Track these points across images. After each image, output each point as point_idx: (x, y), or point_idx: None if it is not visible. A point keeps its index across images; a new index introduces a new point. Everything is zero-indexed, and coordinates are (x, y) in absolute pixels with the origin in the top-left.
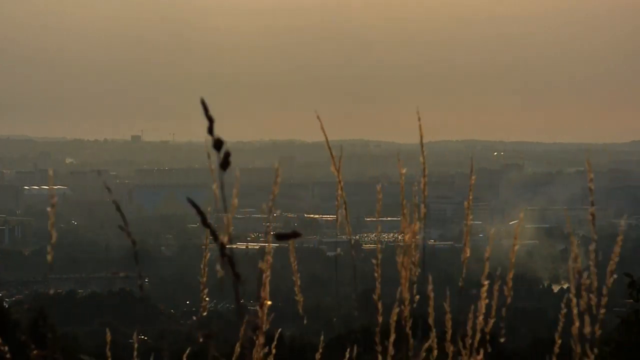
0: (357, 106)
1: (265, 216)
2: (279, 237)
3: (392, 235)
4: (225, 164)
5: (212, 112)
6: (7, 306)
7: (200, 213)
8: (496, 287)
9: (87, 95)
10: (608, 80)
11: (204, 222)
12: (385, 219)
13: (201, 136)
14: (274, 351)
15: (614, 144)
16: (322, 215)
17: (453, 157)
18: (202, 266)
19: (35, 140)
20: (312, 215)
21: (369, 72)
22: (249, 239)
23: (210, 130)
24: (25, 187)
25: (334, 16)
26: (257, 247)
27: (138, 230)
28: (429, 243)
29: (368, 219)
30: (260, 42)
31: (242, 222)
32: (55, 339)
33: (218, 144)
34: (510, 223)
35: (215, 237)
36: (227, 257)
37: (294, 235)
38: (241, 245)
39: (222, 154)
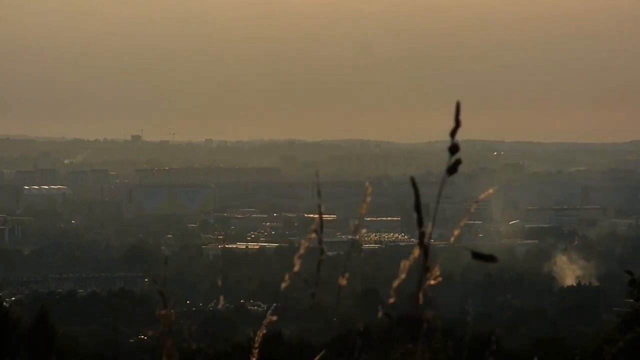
0: (357, 106)
1: (266, 216)
2: (476, 256)
3: (392, 235)
4: (453, 169)
5: (213, 111)
6: (7, 306)
7: (417, 196)
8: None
9: (87, 95)
10: (608, 80)
11: (417, 205)
12: (385, 218)
13: (201, 136)
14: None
15: (614, 144)
16: (322, 215)
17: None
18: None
19: (35, 140)
20: (312, 215)
21: (369, 72)
22: (248, 239)
23: (453, 134)
24: (25, 187)
25: (332, 17)
26: (257, 247)
27: (138, 230)
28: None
29: (368, 219)
30: (260, 40)
31: (242, 222)
32: (55, 339)
33: (454, 149)
34: (510, 223)
35: (420, 224)
36: (425, 248)
37: (491, 259)
38: (241, 245)
39: (453, 159)
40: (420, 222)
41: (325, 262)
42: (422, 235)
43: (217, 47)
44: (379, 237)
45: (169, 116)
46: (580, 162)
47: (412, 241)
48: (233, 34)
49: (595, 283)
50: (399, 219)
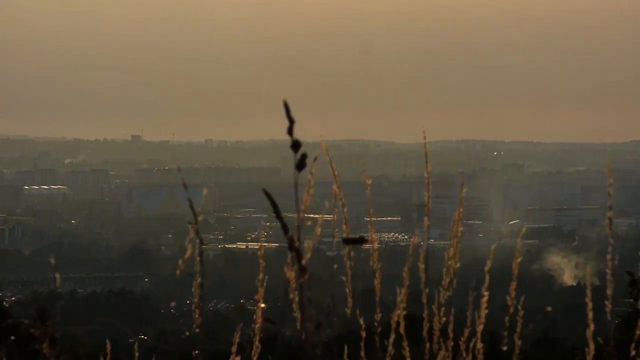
0: (357, 106)
1: (266, 216)
2: (346, 241)
3: (392, 235)
4: (301, 165)
5: (212, 111)
6: (7, 306)
7: (274, 205)
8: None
9: (87, 95)
10: (608, 80)
11: (278, 216)
12: (385, 218)
13: (201, 136)
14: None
15: (614, 144)
16: (322, 215)
17: (453, 157)
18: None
19: (35, 140)
20: (312, 215)
21: (369, 72)
22: (248, 238)
23: (290, 131)
24: (25, 187)
25: (332, 16)
26: (257, 247)
27: (138, 230)
28: (430, 243)
29: (368, 219)
30: (260, 40)
31: (242, 222)
32: (55, 340)
33: (296, 145)
34: (510, 223)
35: (286, 231)
36: (296, 251)
37: (361, 240)
38: (241, 245)
39: (299, 155)
40: (285, 229)
41: (325, 262)
42: (291, 241)
43: (217, 47)
44: (379, 237)
45: (169, 116)
46: (580, 162)
47: (412, 241)
48: (233, 34)
49: (596, 283)
50: (399, 219)
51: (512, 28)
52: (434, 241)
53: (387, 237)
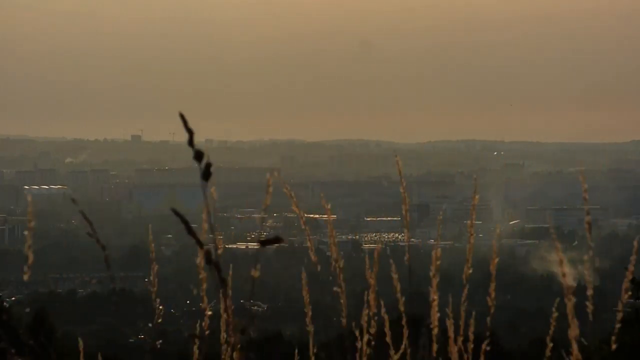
0: (357, 106)
1: (266, 216)
2: (263, 243)
3: (391, 235)
4: (206, 174)
5: (213, 111)
6: (7, 306)
7: (185, 222)
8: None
9: (87, 95)
10: (608, 80)
11: (190, 232)
12: (385, 218)
13: (201, 136)
14: None
15: (614, 144)
16: (322, 215)
17: (453, 157)
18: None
19: (35, 140)
20: (312, 215)
21: (369, 72)
22: (248, 239)
23: (191, 143)
24: (25, 187)
25: (332, 16)
26: (257, 247)
27: (138, 230)
28: (429, 242)
29: (368, 219)
30: (260, 40)
31: (242, 222)
32: (54, 340)
33: (199, 155)
34: (511, 223)
35: (200, 245)
36: (214, 264)
37: (277, 240)
38: (241, 245)
39: (203, 165)
40: (199, 243)
41: (326, 263)
42: (207, 255)
43: (217, 47)
44: (379, 237)
45: (169, 116)
46: (580, 162)
47: (412, 241)
48: (233, 34)
49: (596, 283)
50: (399, 219)
51: (512, 28)
52: (434, 241)
53: (387, 237)
